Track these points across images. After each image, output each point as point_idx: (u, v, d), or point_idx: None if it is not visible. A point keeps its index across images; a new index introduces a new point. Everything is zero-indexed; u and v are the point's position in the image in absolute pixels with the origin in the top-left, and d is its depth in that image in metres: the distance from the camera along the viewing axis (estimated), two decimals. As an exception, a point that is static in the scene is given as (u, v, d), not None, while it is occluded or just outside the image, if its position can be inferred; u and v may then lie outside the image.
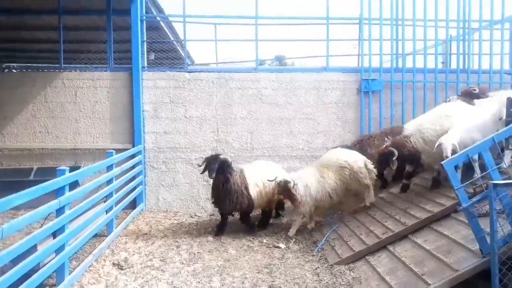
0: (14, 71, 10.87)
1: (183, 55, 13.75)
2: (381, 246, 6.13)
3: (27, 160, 9.55)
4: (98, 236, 7.15)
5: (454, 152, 5.84)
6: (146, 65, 9.85)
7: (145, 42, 9.80)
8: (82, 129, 9.63)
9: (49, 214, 4.97)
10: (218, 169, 7.25)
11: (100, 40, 10.36)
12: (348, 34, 10.56)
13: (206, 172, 7.44)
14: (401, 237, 6.11)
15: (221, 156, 7.51)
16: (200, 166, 7.60)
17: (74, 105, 9.61)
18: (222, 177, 7.30)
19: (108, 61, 9.76)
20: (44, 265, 4.71)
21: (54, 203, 4.76)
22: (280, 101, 9.62)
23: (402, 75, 9.64)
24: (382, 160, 7.35)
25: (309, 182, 7.41)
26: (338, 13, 10.63)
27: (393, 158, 7.07)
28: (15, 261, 4.28)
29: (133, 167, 8.82)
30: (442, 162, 4.77)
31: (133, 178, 8.75)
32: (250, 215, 7.92)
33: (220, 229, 7.72)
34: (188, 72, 9.65)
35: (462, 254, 5.07)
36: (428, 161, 7.12)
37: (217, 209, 7.89)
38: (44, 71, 10.06)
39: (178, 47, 12.95)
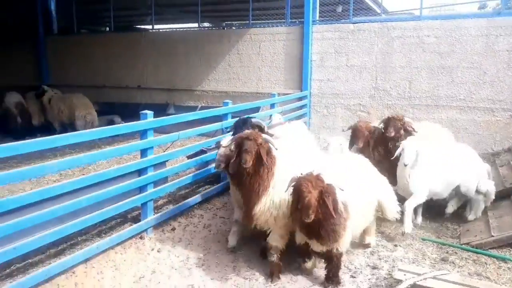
0: (214, 29, 13.49)
1: (371, 5, 14.23)
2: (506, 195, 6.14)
3: (223, 100, 12.19)
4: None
5: None
6: (317, 18, 11.01)
7: (317, -3, 10.94)
8: (263, 76, 11.65)
9: (215, 131, 6.99)
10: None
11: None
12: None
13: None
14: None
15: (254, 120, 5.67)
16: (229, 131, 5.95)
17: (258, 56, 11.64)
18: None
19: (285, 17, 11.34)
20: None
21: (217, 125, 6.70)
22: (443, 49, 9.49)
23: None
24: None
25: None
26: None
27: None
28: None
29: (299, 108, 10.42)
30: None
31: (299, 118, 10.33)
32: None
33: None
34: (353, 23, 10.40)
35: None
36: None
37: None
38: (237, 28, 12.35)
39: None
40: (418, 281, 3.87)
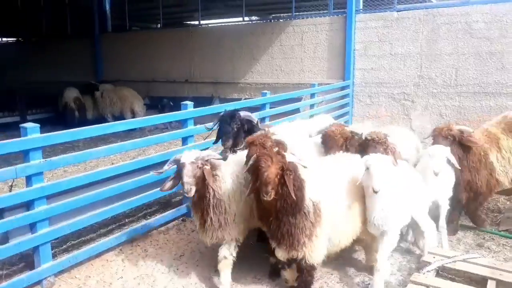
0: (257, 22, 13.71)
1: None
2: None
3: (265, 91, 12.44)
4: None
5: None
6: (361, 8, 10.88)
7: (362, -14, 10.82)
8: (306, 67, 11.71)
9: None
10: (237, 133, 4.45)
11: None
12: None
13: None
14: None
15: (242, 113, 4.80)
16: (211, 129, 5.12)
17: (300, 47, 11.72)
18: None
19: (328, 7, 11.32)
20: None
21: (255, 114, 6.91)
22: (493, 35, 9.09)
23: None
24: None
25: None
26: None
27: None
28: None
29: (342, 98, 10.41)
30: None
31: (341, 107, 10.34)
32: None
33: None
34: (397, 11, 10.20)
35: None
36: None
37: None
38: (280, 20, 12.48)
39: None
40: (447, 263, 3.89)
